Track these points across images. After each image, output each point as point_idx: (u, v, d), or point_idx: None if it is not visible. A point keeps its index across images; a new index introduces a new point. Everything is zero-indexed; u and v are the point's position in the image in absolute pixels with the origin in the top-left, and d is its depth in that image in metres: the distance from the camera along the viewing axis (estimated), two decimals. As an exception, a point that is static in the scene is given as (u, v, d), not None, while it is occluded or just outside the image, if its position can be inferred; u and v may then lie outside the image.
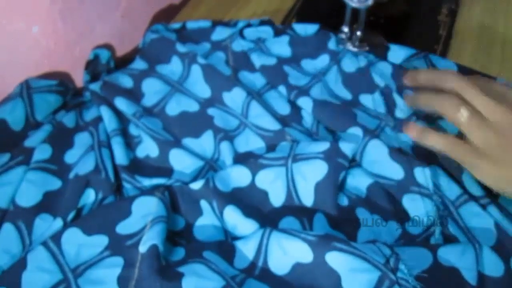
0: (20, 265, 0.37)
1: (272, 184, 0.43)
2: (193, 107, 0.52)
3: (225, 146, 0.47)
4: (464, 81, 0.39)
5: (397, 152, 0.43)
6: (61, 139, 0.48)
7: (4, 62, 0.50)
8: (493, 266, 0.36)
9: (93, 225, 0.39)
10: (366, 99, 0.50)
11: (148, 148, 0.48)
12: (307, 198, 0.42)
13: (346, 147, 0.43)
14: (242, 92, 0.51)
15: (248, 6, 0.68)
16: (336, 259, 0.33)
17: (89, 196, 0.43)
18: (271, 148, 0.47)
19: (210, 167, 0.47)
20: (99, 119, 0.50)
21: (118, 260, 0.37)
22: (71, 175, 0.45)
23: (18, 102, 0.49)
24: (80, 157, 0.47)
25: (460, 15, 0.61)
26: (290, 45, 0.57)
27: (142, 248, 0.36)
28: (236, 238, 0.40)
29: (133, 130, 0.50)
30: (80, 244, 0.38)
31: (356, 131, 0.45)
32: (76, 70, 0.58)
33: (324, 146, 0.43)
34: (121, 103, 0.50)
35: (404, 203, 0.42)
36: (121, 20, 0.62)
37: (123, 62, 0.59)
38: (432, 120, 0.47)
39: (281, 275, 0.35)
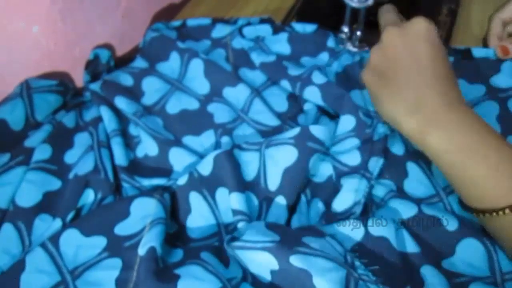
0: (18, 266, 0.37)
1: (247, 166, 0.44)
2: (193, 105, 0.52)
3: (225, 141, 0.48)
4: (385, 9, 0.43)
5: (367, 145, 0.44)
6: (61, 139, 0.48)
7: (4, 62, 0.50)
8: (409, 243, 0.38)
9: (92, 226, 0.39)
10: (355, 95, 0.50)
11: (147, 147, 0.48)
12: (273, 183, 0.42)
13: (318, 130, 0.43)
14: (247, 89, 0.52)
15: (248, 5, 0.68)
16: (301, 261, 0.33)
17: (89, 196, 0.43)
18: None
19: None
20: (99, 119, 0.50)
21: (117, 262, 0.37)
22: (71, 175, 0.45)
23: (18, 102, 0.49)
24: (79, 157, 0.47)
25: (460, 15, 0.61)
26: (289, 43, 0.57)
27: (141, 250, 0.36)
28: (228, 225, 0.41)
29: (133, 130, 0.51)
30: (78, 245, 0.38)
31: (349, 120, 0.46)
32: (76, 70, 0.58)
33: (295, 131, 0.43)
34: (121, 102, 0.51)
35: (342, 181, 0.42)
36: (121, 20, 0.62)
37: (123, 62, 0.59)
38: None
39: (267, 283, 0.35)
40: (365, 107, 0.48)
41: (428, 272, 0.36)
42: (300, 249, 0.34)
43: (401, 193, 0.42)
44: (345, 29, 0.55)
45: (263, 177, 0.43)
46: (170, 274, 0.34)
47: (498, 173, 0.33)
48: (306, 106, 0.51)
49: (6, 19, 0.48)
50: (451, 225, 0.38)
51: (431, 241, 0.38)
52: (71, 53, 0.57)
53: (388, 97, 0.38)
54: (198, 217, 0.42)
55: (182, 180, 0.43)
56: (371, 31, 0.57)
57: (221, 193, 0.42)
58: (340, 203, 0.41)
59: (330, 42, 0.56)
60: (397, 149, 0.45)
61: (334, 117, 0.50)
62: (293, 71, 0.52)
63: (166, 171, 0.47)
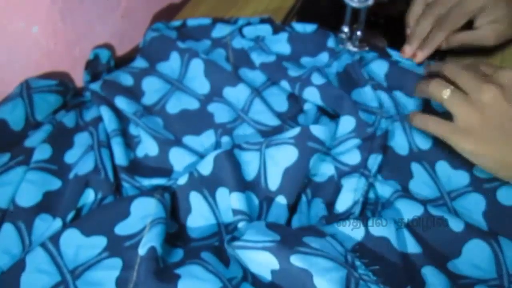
0: (18, 266, 0.37)
1: (247, 166, 0.44)
2: (193, 104, 0.52)
3: (225, 141, 0.48)
4: (452, 64, 0.41)
5: (367, 142, 0.44)
6: (61, 139, 0.48)
7: (4, 62, 0.50)
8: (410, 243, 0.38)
9: (92, 226, 0.39)
10: (357, 93, 0.50)
11: (147, 147, 0.48)
12: (273, 182, 0.42)
13: (319, 130, 0.43)
14: (247, 89, 0.52)
15: (248, 5, 0.68)
16: (301, 261, 0.33)
17: (89, 196, 0.43)
18: None
19: None
20: (99, 119, 0.50)
21: (117, 262, 0.37)
22: (71, 175, 0.45)
23: (18, 102, 0.49)
24: (80, 157, 0.47)
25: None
26: (289, 43, 0.57)
27: (141, 250, 0.36)
28: (229, 225, 0.41)
29: (133, 130, 0.51)
30: (78, 245, 0.38)
31: (349, 121, 0.46)
32: (76, 70, 0.58)
33: (295, 131, 0.44)
34: (121, 102, 0.51)
35: (342, 181, 0.42)
36: (121, 20, 0.62)
37: (123, 62, 0.59)
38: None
39: (268, 282, 0.35)
40: (367, 104, 0.48)
41: (429, 272, 0.36)
42: (301, 249, 0.34)
43: (406, 193, 0.42)
44: (345, 29, 0.55)
45: (263, 177, 0.43)
46: (171, 274, 0.34)
47: None
48: (306, 106, 0.51)
49: (6, 19, 0.48)
50: (457, 226, 0.38)
51: (436, 242, 0.38)
52: (71, 53, 0.57)
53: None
54: (198, 216, 0.42)
55: (182, 180, 0.43)
56: (371, 31, 0.57)
57: (221, 193, 0.42)
58: (341, 204, 0.41)
59: (330, 42, 0.56)
60: (401, 149, 0.45)
61: (334, 116, 0.50)
62: (293, 72, 0.52)
63: (167, 171, 0.47)
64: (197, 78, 0.54)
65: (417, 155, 0.44)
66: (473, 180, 0.43)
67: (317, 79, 0.50)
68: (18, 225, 0.41)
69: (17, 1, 0.48)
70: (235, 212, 0.40)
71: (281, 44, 0.57)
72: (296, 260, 0.33)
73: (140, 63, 0.57)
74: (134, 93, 0.54)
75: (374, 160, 0.43)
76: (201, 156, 0.47)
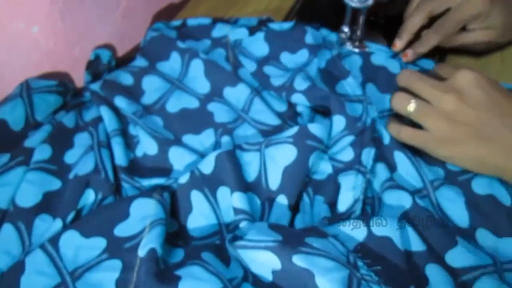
0: (18, 268, 0.37)
1: (248, 167, 0.44)
2: (193, 103, 0.53)
3: (225, 141, 0.48)
4: (413, 76, 0.42)
5: (359, 139, 0.45)
6: (61, 139, 0.48)
7: (4, 62, 0.50)
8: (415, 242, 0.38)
9: (91, 227, 0.39)
10: (341, 86, 0.50)
11: (146, 147, 0.48)
12: (274, 182, 0.42)
13: (316, 129, 0.44)
14: (247, 88, 0.52)
15: (248, 5, 0.68)
16: (303, 261, 0.33)
17: (89, 196, 0.43)
18: None
19: None
20: (99, 119, 0.50)
21: (117, 263, 0.37)
22: (71, 175, 0.45)
23: (18, 102, 0.49)
24: (80, 157, 0.47)
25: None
26: (266, 41, 0.57)
27: (141, 252, 0.36)
28: (229, 224, 0.41)
29: (132, 130, 0.51)
30: (78, 246, 0.38)
31: (340, 120, 0.46)
32: (76, 70, 0.58)
33: (293, 130, 0.44)
34: (121, 101, 0.51)
35: (339, 179, 0.43)
36: (121, 20, 0.62)
37: (123, 62, 0.59)
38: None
39: (268, 283, 0.35)
40: (352, 94, 0.49)
41: (432, 270, 0.36)
42: (303, 249, 0.34)
43: (393, 182, 0.42)
44: (345, 29, 0.55)
45: (264, 176, 0.43)
46: (171, 275, 0.34)
47: None
48: (299, 108, 0.51)
49: (6, 19, 0.48)
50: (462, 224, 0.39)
51: (434, 235, 0.38)
52: (71, 53, 0.57)
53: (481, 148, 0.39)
54: (199, 215, 0.42)
55: (183, 179, 0.43)
56: (371, 31, 0.57)
57: (223, 192, 0.42)
58: (342, 203, 0.41)
59: (308, 38, 0.56)
60: (384, 138, 0.45)
61: (327, 114, 0.50)
62: (276, 81, 0.52)
63: (166, 171, 0.47)
64: (198, 78, 0.54)
65: (399, 143, 0.45)
66: (447, 174, 0.43)
67: (300, 84, 0.50)
68: (18, 226, 0.41)
69: (17, 1, 0.48)
70: (237, 211, 0.40)
71: (258, 44, 0.57)
72: (298, 260, 0.33)
73: (140, 62, 0.57)
74: (134, 92, 0.54)
75: (368, 155, 0.43)
76: (201, 155, 0.47)
